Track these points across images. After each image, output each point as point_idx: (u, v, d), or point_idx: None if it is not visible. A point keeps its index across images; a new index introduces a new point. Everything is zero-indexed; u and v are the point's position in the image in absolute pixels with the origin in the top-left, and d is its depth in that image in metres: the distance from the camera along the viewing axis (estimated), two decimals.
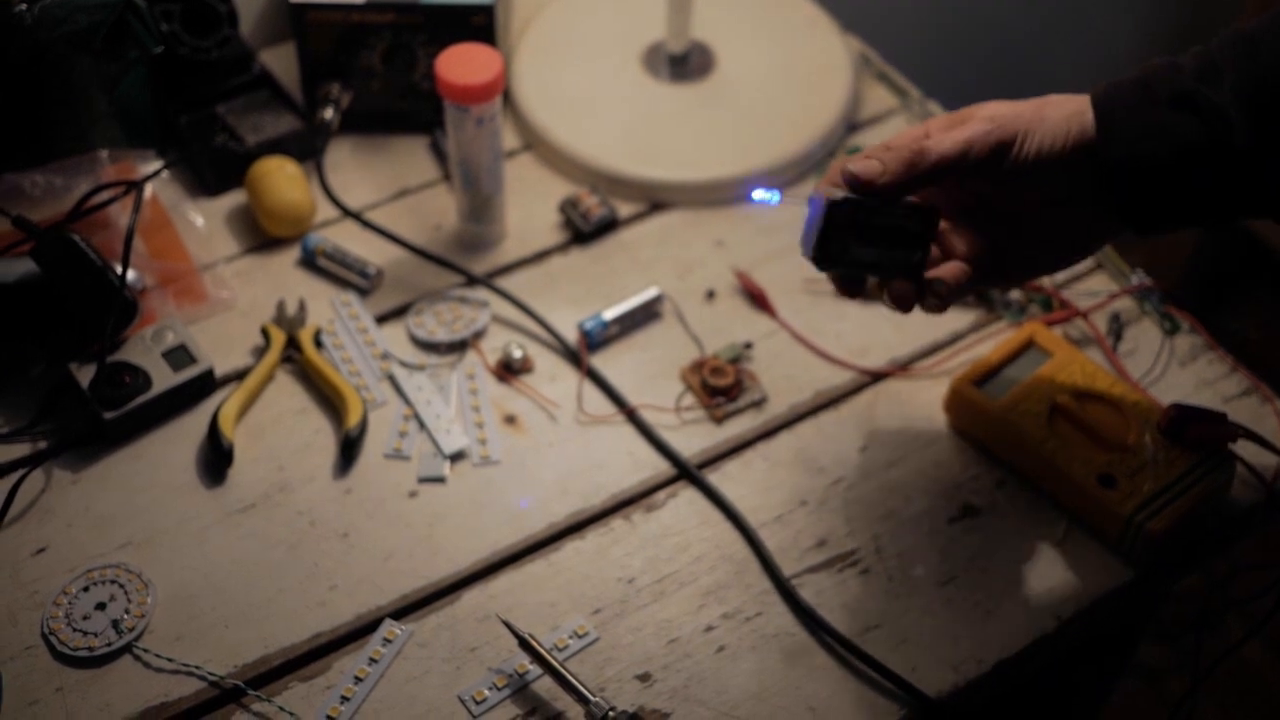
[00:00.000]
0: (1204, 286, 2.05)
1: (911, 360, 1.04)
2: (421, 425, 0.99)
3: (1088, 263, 1.09)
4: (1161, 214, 0.78)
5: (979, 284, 0.83)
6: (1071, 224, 0.82)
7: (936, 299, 0.81)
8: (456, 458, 0.97)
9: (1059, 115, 0.77)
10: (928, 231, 0.79)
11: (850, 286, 0.83)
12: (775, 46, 1.27)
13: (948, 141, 0.77)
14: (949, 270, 0.81)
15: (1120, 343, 1.05)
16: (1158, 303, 1.07)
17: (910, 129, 0.80)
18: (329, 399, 1.00)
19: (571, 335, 1.04)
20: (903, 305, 0.80)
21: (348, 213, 1.10)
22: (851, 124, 1.23)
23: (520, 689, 0.85)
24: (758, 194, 0.78)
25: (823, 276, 1.08)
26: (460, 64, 1.01)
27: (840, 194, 0.78)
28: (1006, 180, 0.78)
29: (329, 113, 1.14)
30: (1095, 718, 1.30)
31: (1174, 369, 1.04)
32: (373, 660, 0.86)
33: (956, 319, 1.07)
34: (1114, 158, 0.76)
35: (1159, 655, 1.64)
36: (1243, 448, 0.95)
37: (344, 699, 0.84)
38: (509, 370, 1.02)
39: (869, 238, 0.79)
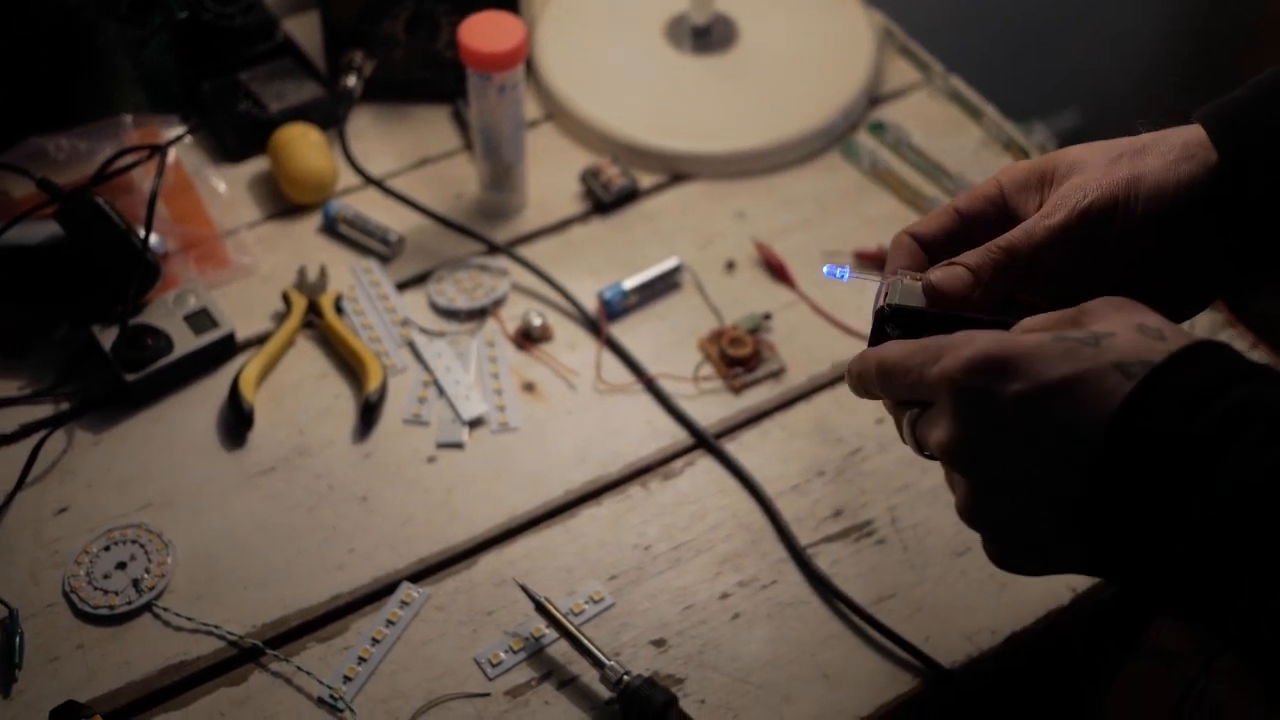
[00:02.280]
0: None
1: None
2: (441, 391, 0.99)
3: None
4: None
5: None
6: (1180, 276, 0.71)
7: None
8: (475, 424, 0.98)
9: (1161, 162, 0.67)
10: None
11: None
12: (798, 19, 1.26)
13: (1039, 232, 0.66)
14: None
15: None
16: None
17: (979, 186, 0.70)
18: (349, 364, 1.01)
19: (591, 304, 1.05)
20: None
21: (370, 180, 1.11)
22: (873, 97, 1.22)
23: (536, 652, 0.86)
24: (826, 269, 0.74)
25: (844, 249, 1.09)
26: (484, 31, 1.01)
27: (915, 281, 0.67)
28: (1111, 247, 0.68)
29: (351, 80, 1.14)
30: (1106, 694, 1.30)
31: None
32: (390, 622, 0.87)
33: None
34: (1256, 190, 0.66)
35: (1171, 635, 1.64)
36: None
37: (361, 660, 0.85)
38: (528, 338, 1.03)
39: None
